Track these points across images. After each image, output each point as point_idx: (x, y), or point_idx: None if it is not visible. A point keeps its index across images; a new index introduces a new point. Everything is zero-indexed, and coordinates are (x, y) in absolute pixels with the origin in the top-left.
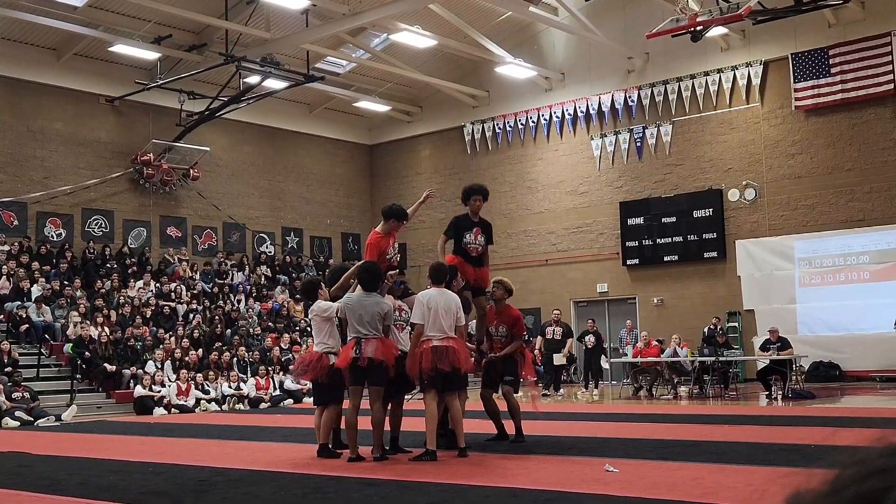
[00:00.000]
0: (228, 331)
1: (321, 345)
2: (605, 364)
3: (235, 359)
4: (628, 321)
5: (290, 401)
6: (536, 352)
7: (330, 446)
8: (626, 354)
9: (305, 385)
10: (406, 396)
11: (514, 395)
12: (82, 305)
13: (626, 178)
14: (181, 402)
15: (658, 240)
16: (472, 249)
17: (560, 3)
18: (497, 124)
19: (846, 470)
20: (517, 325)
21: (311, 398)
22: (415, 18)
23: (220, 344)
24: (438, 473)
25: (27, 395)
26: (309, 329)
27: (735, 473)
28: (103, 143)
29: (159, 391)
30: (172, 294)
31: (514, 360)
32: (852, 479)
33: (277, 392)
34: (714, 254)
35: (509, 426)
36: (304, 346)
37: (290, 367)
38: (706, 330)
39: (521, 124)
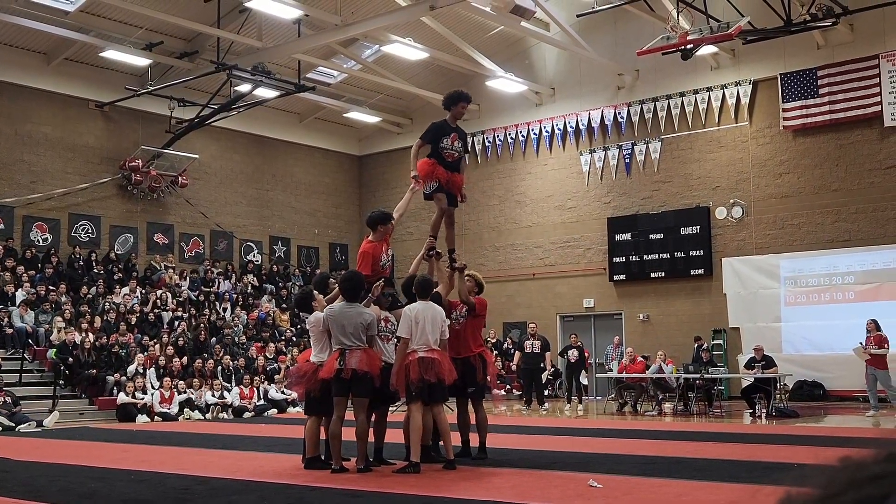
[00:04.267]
0: (213, 339)
1: (318, 357)
2: (583, 380)
3: (220, 367)
4: (616, 337)
5: (275, 410)
6: (515, 367)
7: (322, 457)
8: (611, 370)
9: (290, 395)
10: (391, 408)
11: (480, 405)
12: (67, 311)
13: (615, 193)
14: (164, 410)
15: (645, 256)
16: (448, 155)
17: (551, 18)
18: (487, 138)
19: (841, 475)
20: (481, 306)
21: (297, 408)
22: (407, 30)
23: (205, 352)
24: (422, 486)
25: (9, 399)
26: (294, 339)
27: (718, 490)
28: (92, 149)
29: (142, 398)
30: (158, 301)
31: (472, 368)
32: (848, 484)
33: (261, 402)
34: (700, 271)
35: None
36: (290, 355)
37: (276, 376)
38: (696, 348)
39: (511, 138)
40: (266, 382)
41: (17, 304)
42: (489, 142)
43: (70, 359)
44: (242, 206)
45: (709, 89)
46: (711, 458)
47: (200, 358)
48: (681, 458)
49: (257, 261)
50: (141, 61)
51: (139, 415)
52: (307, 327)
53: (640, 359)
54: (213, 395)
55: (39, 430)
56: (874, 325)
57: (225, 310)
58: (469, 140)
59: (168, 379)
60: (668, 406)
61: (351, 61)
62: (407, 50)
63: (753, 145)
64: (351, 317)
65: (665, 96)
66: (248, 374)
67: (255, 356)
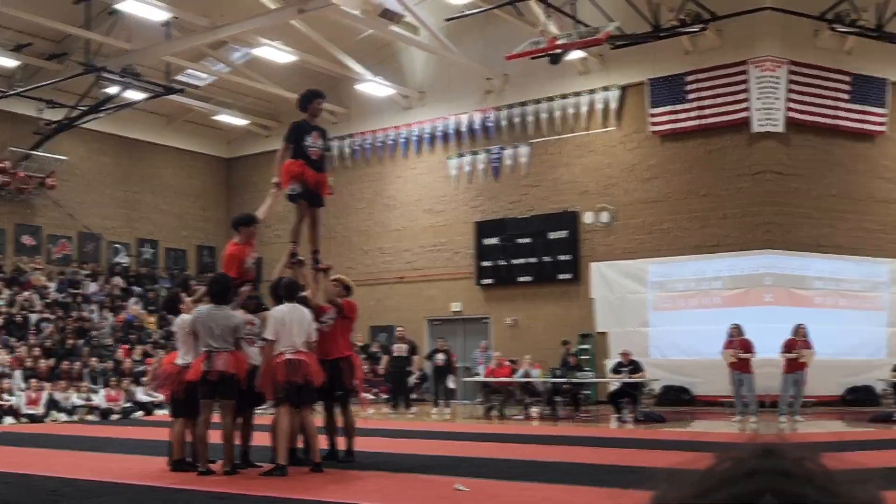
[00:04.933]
0: (80, 341)
1: (184, 359)
2: (451, 384)
3: (87, 369)
4: (482, 342)
5: (141, 413)
6: (382, 370)
7: (188, 459)
8: (478, 374)
9: (157, 397)
10: (257, 410)
11: (348, 409)
12: None
13: (483, 197)
14: (31, 412)
15: (513, 260)
16: (312, 153)
17: (420, 22)
18: (355, 141)
19: (716, 469)
20: (349, 308)
21: (164, 410)
22: (276, 34)
23: (72, 354)
24: (288, 488)
25: None
26: (162, 341)
27: (584, 494)
28: None
29: (9, 400)
30: (25, 302)
31: (339, 371)
32: (723, 480)
33: (128, 404)
34: (568, 275)
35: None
36: (157, 358)
37: (143, 379)
38: (564, 352)
39: (380, 142)
40: (133, 385)
41: None
42: (358, 145)
43: None
44: (111, 207)
45: (577, 94)
46: (578, 462)
47: (68, 360)
48: (547, 461)
49: (125, 263)
50: (9, 62)
51: (5, 416)
52: (174, 329)
53: (507, 363)
54: (80, 398)
55: None
56: (737, 330)
57: (92, 312)
58: (338, 143)
59: (35, 381)
60: (535, 410)
61: (220, 64)
62: (276, 53)
63: (622, 150)
64: (219, 319)
65: (534, 101)
66: (115, 376)
67: (122, 358)
